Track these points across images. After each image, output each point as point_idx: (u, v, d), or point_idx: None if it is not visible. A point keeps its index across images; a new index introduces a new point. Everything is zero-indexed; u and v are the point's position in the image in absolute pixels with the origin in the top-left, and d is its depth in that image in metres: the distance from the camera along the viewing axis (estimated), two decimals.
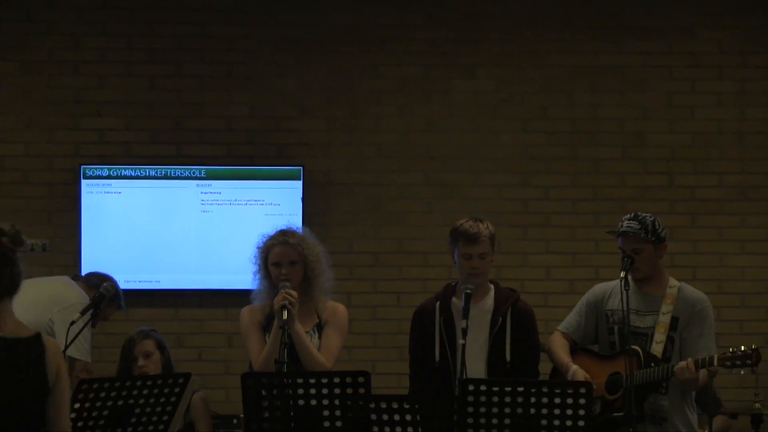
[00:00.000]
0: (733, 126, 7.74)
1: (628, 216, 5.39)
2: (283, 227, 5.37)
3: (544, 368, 5.51)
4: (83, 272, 6.82)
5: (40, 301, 6.30)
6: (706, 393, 6.54)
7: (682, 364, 5.15)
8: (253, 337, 5.29)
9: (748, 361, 5.12)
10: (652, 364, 5.21)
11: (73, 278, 6.58)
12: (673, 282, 5.42)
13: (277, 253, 5.24)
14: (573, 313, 5.56)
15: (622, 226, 5.34)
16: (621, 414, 5.19)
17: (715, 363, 5.13)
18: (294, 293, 5.08)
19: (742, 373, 5.17)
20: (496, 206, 7.61)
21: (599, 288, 5.55)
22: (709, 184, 7.72)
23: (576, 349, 5.49)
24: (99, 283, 6.24)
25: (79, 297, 6.29)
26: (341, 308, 5.35)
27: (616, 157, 7.73)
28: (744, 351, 5.12)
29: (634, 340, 5.25)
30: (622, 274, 5.18)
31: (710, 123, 7.74)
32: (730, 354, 5.12)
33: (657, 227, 5.33)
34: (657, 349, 5.27)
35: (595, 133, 7.74)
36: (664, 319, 5.30)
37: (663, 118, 7.74)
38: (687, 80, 7.75)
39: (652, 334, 5.31)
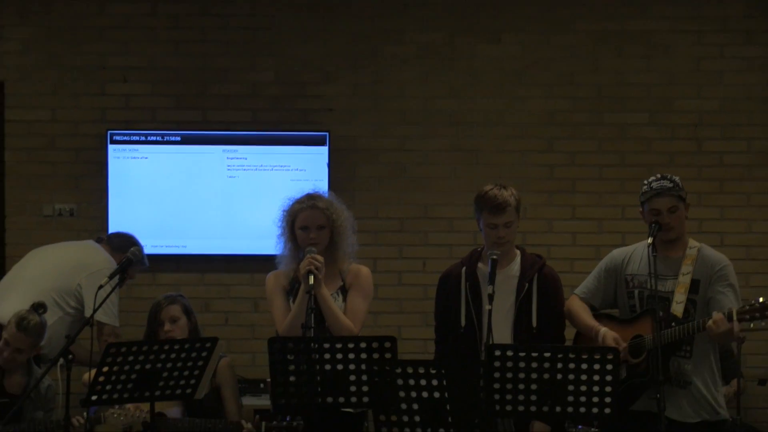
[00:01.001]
0: (761, 91, 7.67)
1: (655, 177, 5.30)
2: (310, 191, 5.36)
3: (569, 334, 5.50)
4: None
5: (68, 267, 6.36)
6: (727, 359, 6.52)
7: (712, 320, 5.07)
8: (277, 302, 5.30)
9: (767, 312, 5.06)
10: (673, 324, 5.17)
11: (96, 240, 6.62)
12: (693, 243, 5.36)
13: (306, 217, 5.23)
14: (591, 279, 5.50)
15: (651, 187, 5.27)
16: (644, 379, 5.17)
17: (735, 317, 5.06)
18: (320, 258, 5.07)
19: (763, 325, 5.08)
20: (521, 172, 7.58)
21: (618, 253, 5.50)
22: (737, 149, 7.66)
23: (596, 315, 5.45)
24: (123, 245, 6.28)
25: (106, 261, 6.34)
26: (365, 270, 5.35)
27: (643, 122, 7.68)
28: (763, 302, 5.06)
29: (656, 304, 5.22)
30: (650, 240, 5.14)
31: (738, 88, 7.67)
32: (747, 307, 5.05)
33: (682, 185, 5.32)
34: (677, 309, 5.22)
35: (622, 99, 7.68)
36: (684, 280, 5.25)
37: (690, 84, 7.68)
38: (715, 45, 7.68)
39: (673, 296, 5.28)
